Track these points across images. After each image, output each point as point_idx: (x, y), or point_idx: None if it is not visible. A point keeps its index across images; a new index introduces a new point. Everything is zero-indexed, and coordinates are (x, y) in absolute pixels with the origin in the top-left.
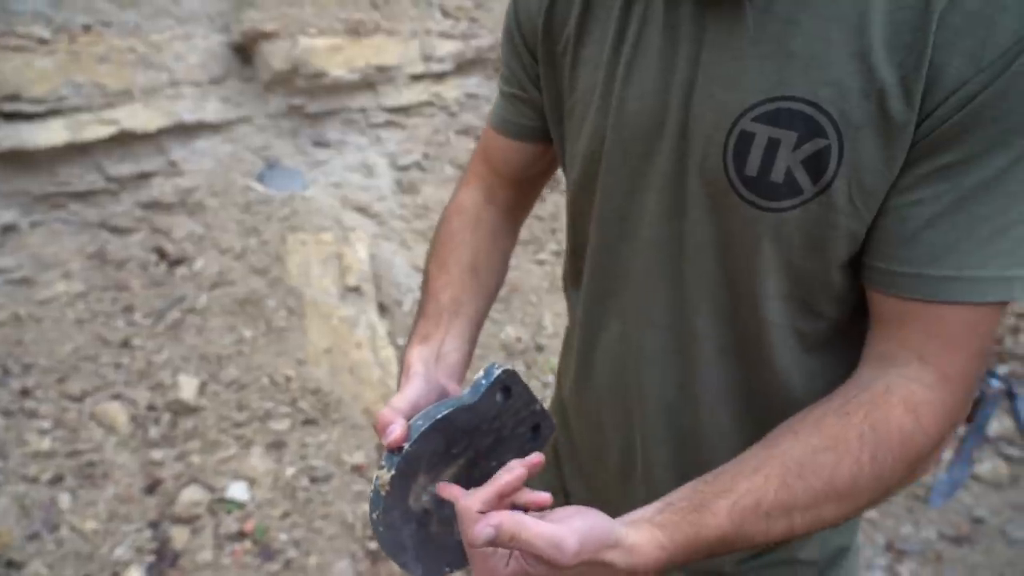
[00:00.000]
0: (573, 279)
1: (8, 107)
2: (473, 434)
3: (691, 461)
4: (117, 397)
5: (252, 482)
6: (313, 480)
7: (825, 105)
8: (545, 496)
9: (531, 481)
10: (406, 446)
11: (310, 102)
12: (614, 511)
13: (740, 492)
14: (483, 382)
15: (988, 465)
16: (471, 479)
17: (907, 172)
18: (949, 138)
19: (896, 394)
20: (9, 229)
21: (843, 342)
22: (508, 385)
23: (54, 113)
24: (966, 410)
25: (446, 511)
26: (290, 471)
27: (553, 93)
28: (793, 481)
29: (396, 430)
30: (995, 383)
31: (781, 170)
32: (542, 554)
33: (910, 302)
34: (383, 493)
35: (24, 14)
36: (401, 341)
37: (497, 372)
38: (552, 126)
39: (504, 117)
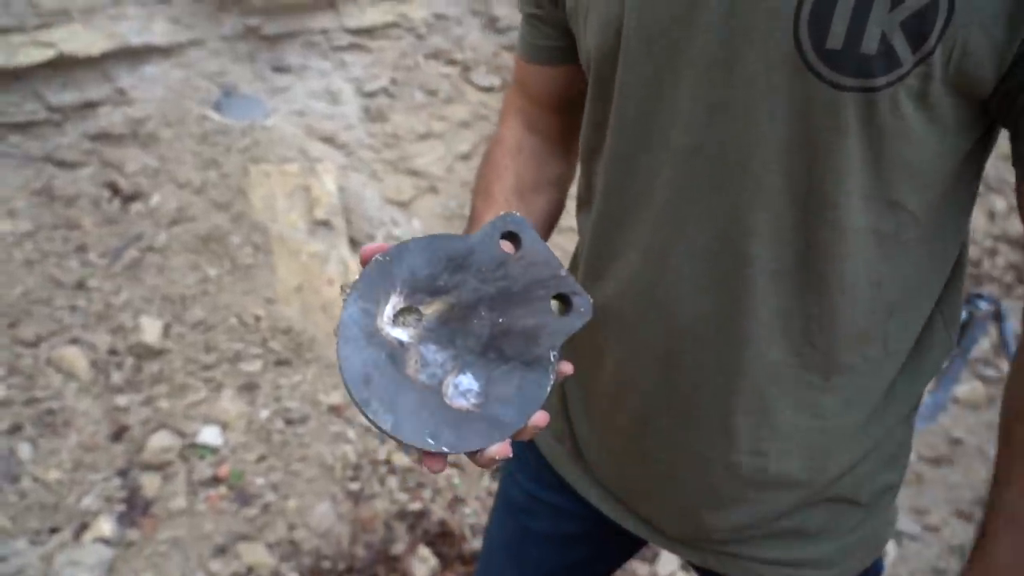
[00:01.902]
0: (584, 200)
1: None
2: (468, 272)
3: (731, 406)
4: (75, 341)
5: (224, 426)
6: (288, 422)
7: None
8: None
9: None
10: (381, 255)
11: (267, 23)
12: (628, 467)
13: None
14: (487, 226)
15: (966, 387)
16: (467, 327)
17: None
18: None
19: None
20: None
21: (921, 241)
22: (514, 232)
23: None
24: None
25: (431, 355)
26: (264, 413)
27: None
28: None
29: (374, 246)
30: (983, 305)
31: (875, 36)
32: None
33: None
34: (342, 297)
35: None
36: None
37: (503, 215)
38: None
39: (527, 42)
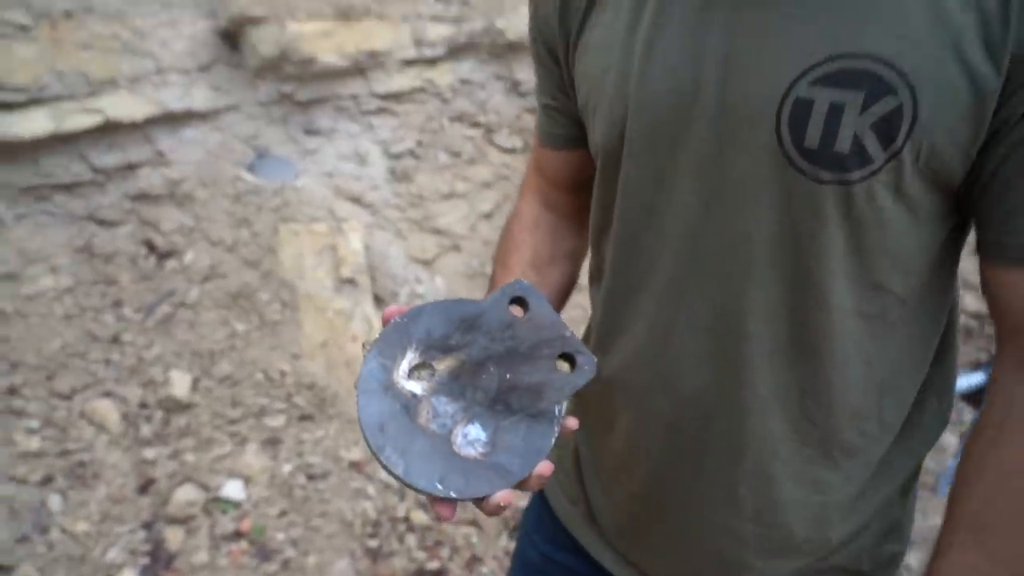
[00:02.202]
0: (595, 276)
1: None
2: (478, 333)
3: (735, 476)
4: (108, 394)
5: (248, 480)
6: (310, 477)
7: (893, 59)
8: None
9: (549, 486)
10: (399, 317)
11: (300, 89)
12: (639, 531)
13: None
14: (497, 292)
15: None
16: (476, 382)
17: (1011, 135)
18: None
19: None
20: None
21: (906, 322)
22: (521, 296)
23: (36, 102)
24: None
25: (442, 407)
26: (286, 468)
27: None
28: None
29: (395, 308)
30: None
31: (847, 138)
32: None
33: None
34: (363, 353)
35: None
36: None
37: (512, 282)
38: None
39: (544, 129)
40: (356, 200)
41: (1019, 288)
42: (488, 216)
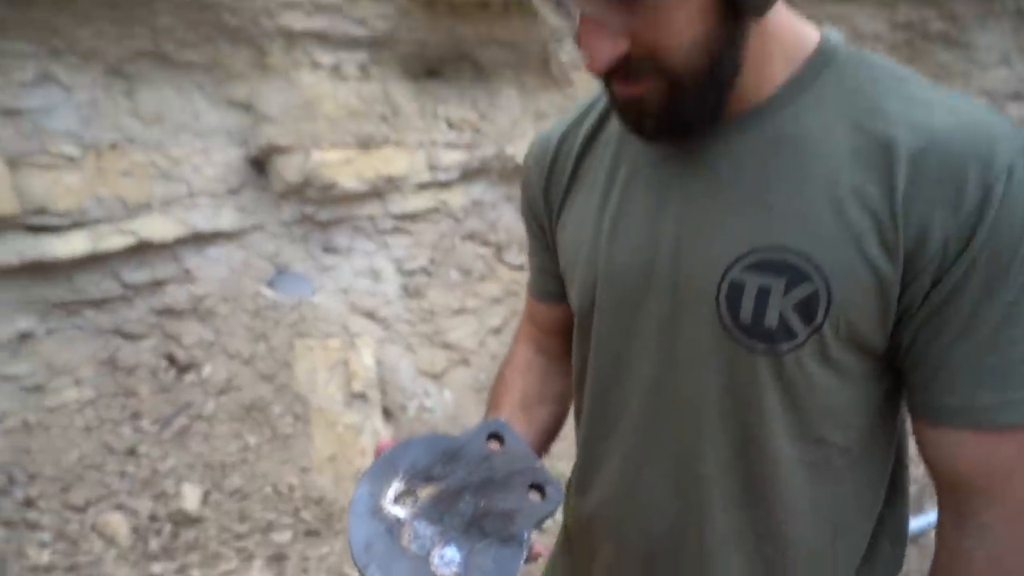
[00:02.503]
0: (576, 418)
1: (35, 220)
2: (458, 464)
3: None
4: (119, 507)
5: None
6: None
7: (807, 251)
8: None
9: None
10: (390, 450)
11: (321, 210)
12: None
13: None
14: (476, 428)
15: None
16: (454, 508)
17: (924, 314)
18: (954, 283)
19: (978, 552)
20: (26, 336)
21: (852, 469)
22: (497, 432)
23: (77, 226)
24: None
25: (423, 530)
26: None
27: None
28: None
29: (387, 440)
30: None
31: (774, 316)
32: None
33: (971, 434)
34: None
35: (56, 132)
36: None
37: (490, 420)
38: None
39: (535, 286)
40: (369, 315)
41: (945, 446)
42: (497, 331)
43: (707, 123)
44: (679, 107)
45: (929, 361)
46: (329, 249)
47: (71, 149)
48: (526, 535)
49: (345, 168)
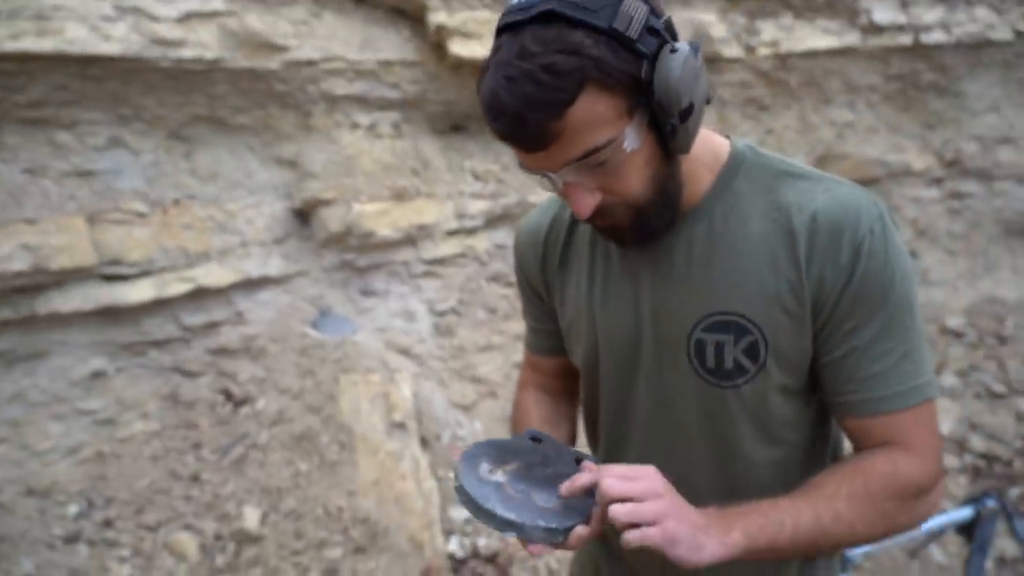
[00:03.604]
0: (592, 447)
1: (109, 270)
2: (519, 454)
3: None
4: (187, 527)
5: None
6: None
7: (746, 313)
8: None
9: None
10: (466, 450)
11: (359, 257)
12: None
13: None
14: (521, 435)
15: None
16: (531, 476)
17: (828, 339)
18: (845, 314)
19: (879, 457)
20: (98, 374)
21: (805, 461)
22: (537, 436)
23: (145, 274)
24: (935, 471)
25: (520, 487)
26: None
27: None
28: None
29: (457, 448)
30: (991, 503)
31: (731, 360)
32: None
33: (869, 418)
34: (456, 469)
35: (126, 191)
36: (441, 473)
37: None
38: None
39: (532, 343)
40: (405, 352)
41: (858, 429)
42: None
43: (668, 227)
44: (645, 225)
45: (836, 372)
46: (367, 292)
47: (140, 206)
48: None
49: (382, 218)
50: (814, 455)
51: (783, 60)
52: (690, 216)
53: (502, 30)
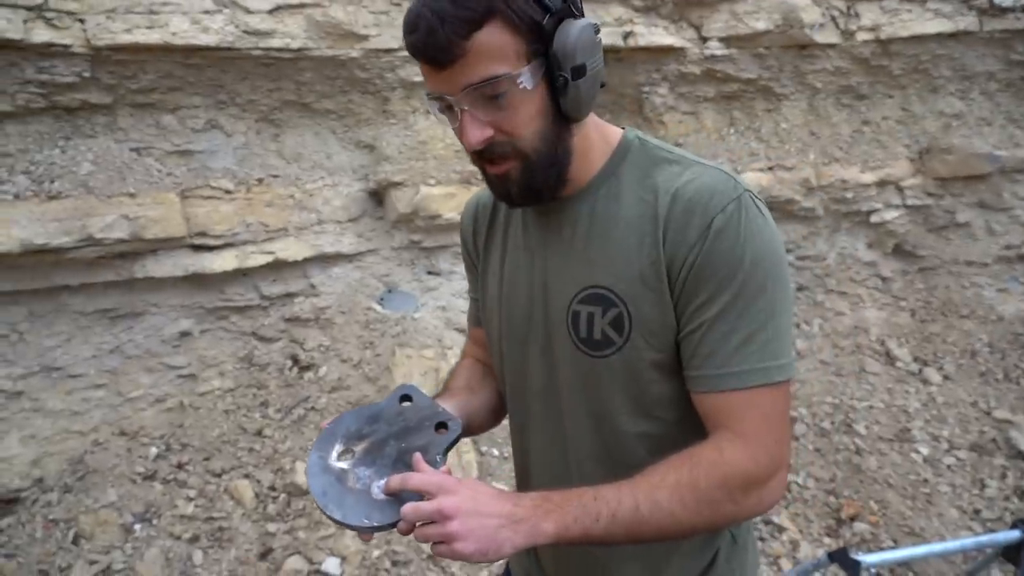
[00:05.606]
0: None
1: (197, 241)
2: (380, 422)
3: None
4: (247, 476)
5: (344, 559)
6: (394, 563)
7: (613, 287)
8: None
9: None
10: (329, 424)
11: (427, 238)
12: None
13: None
14: (390, 395)
15: None
16: (382, 453)
17: (683, 314)
18: (693, 289)
19: (708, 444)
20: (185, 334)
21: (682, 436)
22: (407, 394)
23: (228, 246)
24: (769, 461)
25: (362, 473)
26: (376, 553)
27: None
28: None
29: (327, 421)
30: None
31: (599, 331)
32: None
33: (706, 395)
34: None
35: (217, 170)
36: (482, 448)
37: (400, 384)
38: None
39: (471, 314)
40: (461, 330)
41: (699, 403)
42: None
43: (553, 192)
44: (532, 179)
45: (685, 347)
46: (432, 272)
47: (228, 183)
48: (438, 459)
49: (448, 201)
50: (691, 434)
51: (884, 45)
52: (579, 196)
53: None
